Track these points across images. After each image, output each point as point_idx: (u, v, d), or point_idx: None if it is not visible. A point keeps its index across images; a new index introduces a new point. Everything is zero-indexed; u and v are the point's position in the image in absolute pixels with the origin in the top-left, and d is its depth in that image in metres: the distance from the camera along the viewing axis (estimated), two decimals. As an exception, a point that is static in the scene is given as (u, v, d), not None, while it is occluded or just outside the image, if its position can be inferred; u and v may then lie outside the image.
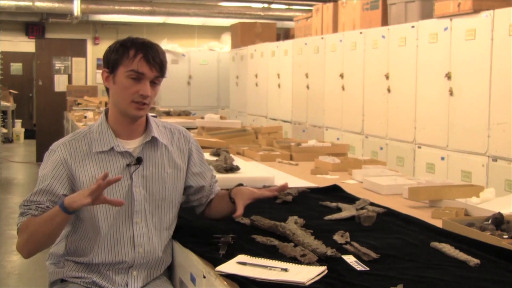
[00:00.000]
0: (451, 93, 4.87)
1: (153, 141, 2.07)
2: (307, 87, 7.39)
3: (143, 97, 1.97)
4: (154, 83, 2.00)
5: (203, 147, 2.27)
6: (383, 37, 5.79)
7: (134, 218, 2.01)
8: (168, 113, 6.92)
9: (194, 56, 10.95)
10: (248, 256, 1.76)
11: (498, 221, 2.06)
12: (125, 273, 2.02)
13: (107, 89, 2.06)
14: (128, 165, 2.01)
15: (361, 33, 6.22)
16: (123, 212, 1.99)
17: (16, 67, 14.40)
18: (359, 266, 1.72)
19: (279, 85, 8.22)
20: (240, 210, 2.05)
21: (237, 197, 2.08)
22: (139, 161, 2.02)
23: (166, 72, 2.03)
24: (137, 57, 1.95)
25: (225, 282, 1.62)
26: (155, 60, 1.97)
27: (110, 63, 1.99)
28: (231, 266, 1.69)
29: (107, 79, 2.02)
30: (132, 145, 2.04)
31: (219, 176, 2.50)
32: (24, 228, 1.91)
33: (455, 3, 4.77)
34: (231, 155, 3.40)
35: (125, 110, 2.00)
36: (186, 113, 7.07)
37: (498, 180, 4.37)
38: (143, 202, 2.02)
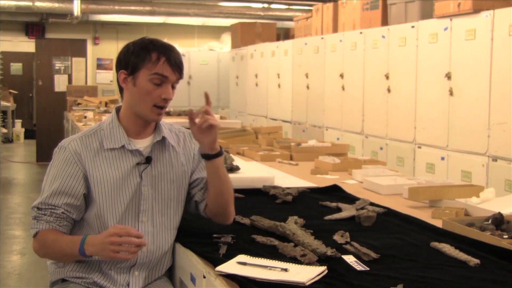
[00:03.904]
0: (451, 93, 4.87)
1: (162, 141, 2.08)
2: (307, 87, 7.39)
3: (165, 101, 1.99)
4: (173, 86, 2.01)
5: (203, 147, 2.26)
6: (383, 37, 5.79)
7: (140, 217, 2.01)
8: (168, 113, 6.91)
9: (194, 56, 10.95)
10: (248, 256, 1.76)
11: (498, 221, 2.06)
12: (127, 272, 2.02)
13: (121, 89, 2.06)
14: (138, 164, 2.02)
15: (361, 33, 6.22)
16: (131, 210, 2.01)
17: (16, 67, 14.40)
18: (359, 266, 1.72)
19: (279, 85, 8.22)
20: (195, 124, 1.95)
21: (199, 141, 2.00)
22: (148, 160, 2.03)
23: (183, 74, 2.04)
24: (161, 61, 1.96)
25: (225, 282, 1.62)
26: (177, 63, 1.98)
27: (130, 65, 1.99)
28: (231, 266, 1.69)
29: (124, 80, 2.01)
30: (142, 144, 2.05)
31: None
32: (41, 241, 1.95)
33: (455, 3, 4.77)
34: (231, 155, 3.40)
35: (144, 113, 2.01)
36: (186, 113, 7.06)
37: (498, 180, 4.37)
38: (150, 201, 2.02)
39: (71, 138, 2.05)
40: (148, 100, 1.98)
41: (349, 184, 3.08)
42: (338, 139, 6.54)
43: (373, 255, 1.79)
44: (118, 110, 2.09)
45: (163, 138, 2.07)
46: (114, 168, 1.99)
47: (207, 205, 2.12)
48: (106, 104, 8.52)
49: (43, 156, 10.52)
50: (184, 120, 6.49)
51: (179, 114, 6.94)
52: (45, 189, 1.99)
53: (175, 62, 1.98)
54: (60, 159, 2.00)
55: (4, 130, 12.41)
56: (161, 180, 2.05)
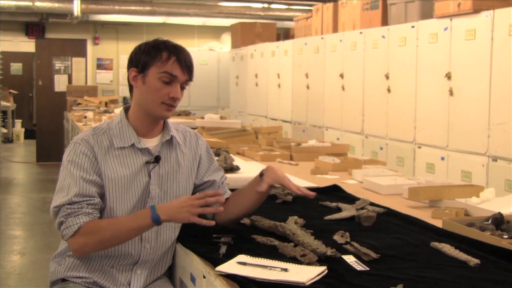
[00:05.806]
0: (451, 93, 4.87)
1: (170, 141, 2.10)
2: (307, 87, 7.39)
3: (173, 99, 2.01)
4: (183, 87, 2.04)
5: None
6: (383, 37, 5.79)
7: None
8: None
9: (194, 56, 10.56)
10: (248, 256, 1.76)
11: (498, 221, 2.06)
12: (129, 270, 2.03)
13: (131, 87, 2.07)
14: (147, 163, 2.03)
15: (361, 33, 6.22)
16: (138, 206, 2.01)
17: (16, 67, 14.40)
18: (359, 266, 1.72)
19: (279, 85, 8.22)
20: (264, 186, 2.03)
21: (267, 174, 2.05)
22: (157, 159, 2.04)
23: (193, 76, 2.06)
24: (171, 60, 1.99)
25: (225, 282, 1.62)
26: (187, 63, 2.02)
27: (140, 63, 2.01)
28: (231, 266, 1.69)
29: (134, 78, 2.04)
30: (151, 143, 2.07)
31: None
32: (91, 230, 1.88)
33: (455, 3, 4.77)
34: (231, 155, 3.40)
35: (153, 110, 2.02)
36: (186, 113, 7.07)
37: (498, 180, 4.37)
38: (157, 200, 2.03)
39: (83, 134, 2.04)
40: (156, 97, 2.00)
41: (349, 184, 3.08)
42: (338, 139, 6.54)
43: (373, 255, 1.79)
44: (126, 109, 2.11)
45: (172, 137, 2.09)
46: (124, 166, 2.00)
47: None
48: (106, 104, 8.52)
49: (43, 156, 10.53)
50: (184, 120, 6.48)
51: (179, 114, 6.94)
52: (71, 184, 1.92)
53: (185, 63, 2.01)
54: (77, 153, 1.98)
55: (4, 130, 12.41)
56: (168, 180, 2.07)
